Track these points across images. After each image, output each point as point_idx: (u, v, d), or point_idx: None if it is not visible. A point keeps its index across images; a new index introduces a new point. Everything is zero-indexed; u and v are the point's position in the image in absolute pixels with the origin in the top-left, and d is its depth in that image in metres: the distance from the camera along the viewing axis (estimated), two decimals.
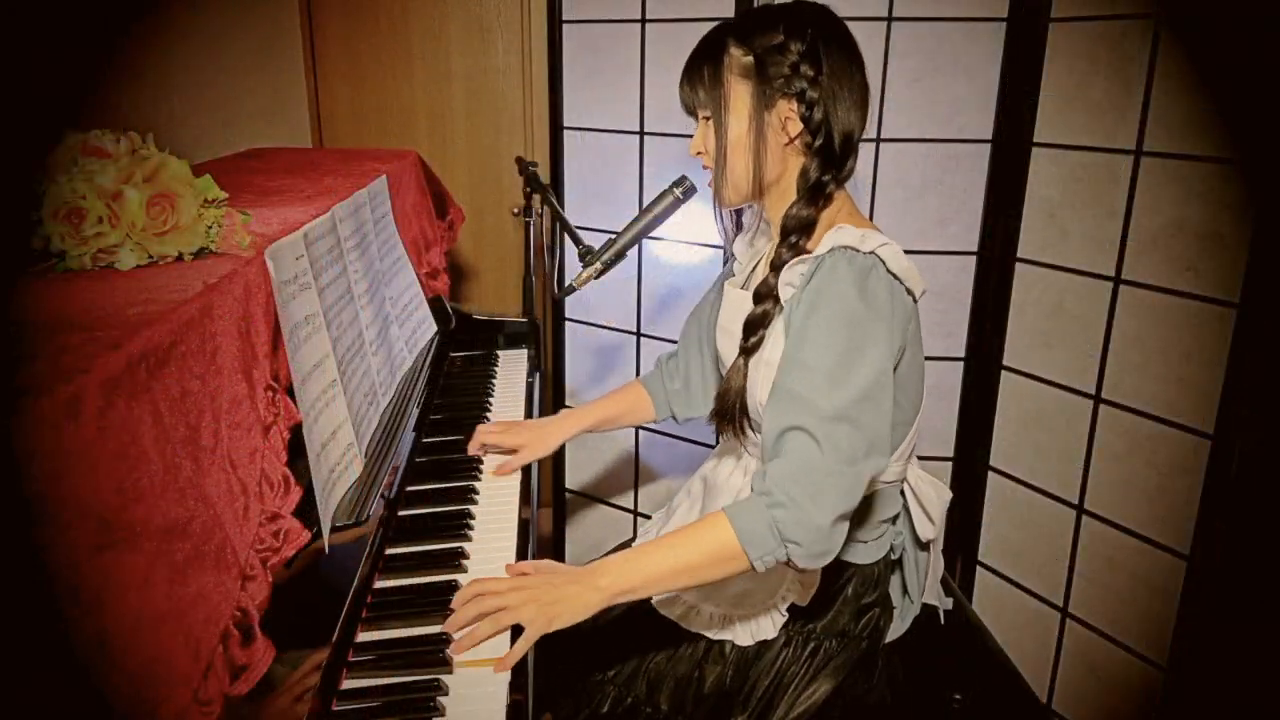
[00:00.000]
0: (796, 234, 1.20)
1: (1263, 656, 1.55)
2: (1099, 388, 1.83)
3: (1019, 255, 1.97)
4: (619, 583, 1.09)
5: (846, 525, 1.10)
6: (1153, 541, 1.73)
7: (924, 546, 1.35)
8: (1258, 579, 1.55)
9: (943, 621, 1.41)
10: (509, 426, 1.57)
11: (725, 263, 1.48)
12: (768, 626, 1.27)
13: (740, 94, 1.20)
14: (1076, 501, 1.89)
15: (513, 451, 1.52)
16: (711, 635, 1.29)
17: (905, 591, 1.36)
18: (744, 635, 1.27)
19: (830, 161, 1.21)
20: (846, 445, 1.07)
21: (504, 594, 1.09)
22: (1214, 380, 1.59)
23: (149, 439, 0.73)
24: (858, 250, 1.12)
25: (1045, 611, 1.98)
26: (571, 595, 1.08)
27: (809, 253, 1.21)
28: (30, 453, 0.59)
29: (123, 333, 0.75)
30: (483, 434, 1.55)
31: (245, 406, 0.92)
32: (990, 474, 2.09)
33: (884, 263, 1.12)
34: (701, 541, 1.09)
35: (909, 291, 1.17)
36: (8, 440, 0.57)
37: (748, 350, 1.23)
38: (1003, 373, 2.03)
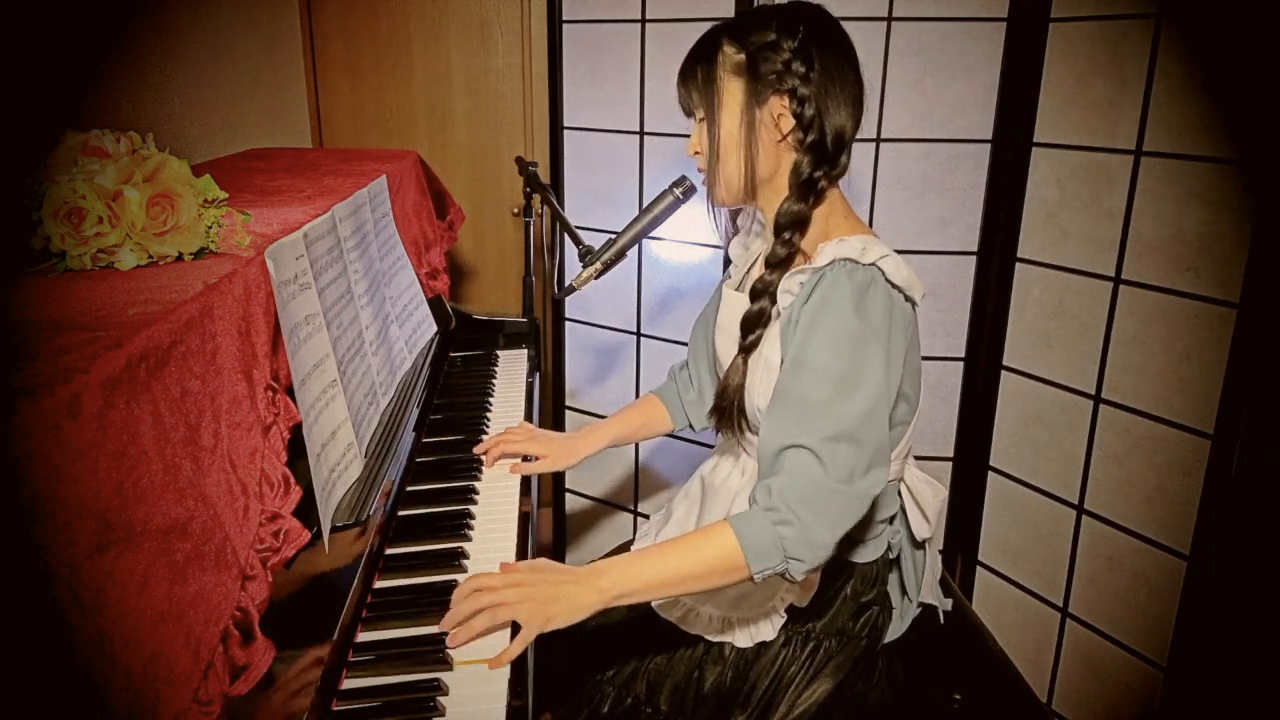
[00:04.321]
0: (790, 230, 1.20)
1: (1262, 656, 1.55)
2: (1099, 388, 1.83)
3: (1019, 255, 1.97)
4: (618, 585, 1.09)
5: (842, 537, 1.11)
6: (1153, 541, 1.73)
7: (920, 545, 1.36)
8: (1258, 579, 1.55)
9: (942, 621, 1.41)
10: (533, 434, 1.53)
11: (725, 264, 1.48)
12: (767, 629, 1.27)
13: (733, 91, 1.20)
14: (1076, 501, 1.89)
15: (533, 458, 1.50)
16: (711, 637, 1.29)
17: (904, 591, 1.36)
18: (743, 637, 1.27)
19: (822, 158, 1.20)
20: (848, 464, 1.07)
21: (501, 590, 1.08)
22: (1214, 380, 1.59)
23: (149, 439, 0.73)
24: (858, 263, 1.12)
25: (1045, 611, 1.98)
26: (569, 595, 1.08)
27: (805, 254, 1.21)
28: (30, 453, 0.59)
29: (123, 333, 0.75)
30: (505, 441, 1.50)
31: (245, 406, 0.92)
32: (990, 474, 2.09)
33: (884, 273, 1.13)
34: (704, 550, 1.09)
35: (909, 299, 1.18)
36: (8, 440, 0.57)
37: (746, 349, 1.24)
38: (1003, 373, 2.03)
